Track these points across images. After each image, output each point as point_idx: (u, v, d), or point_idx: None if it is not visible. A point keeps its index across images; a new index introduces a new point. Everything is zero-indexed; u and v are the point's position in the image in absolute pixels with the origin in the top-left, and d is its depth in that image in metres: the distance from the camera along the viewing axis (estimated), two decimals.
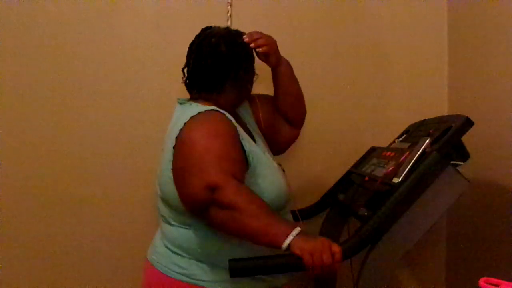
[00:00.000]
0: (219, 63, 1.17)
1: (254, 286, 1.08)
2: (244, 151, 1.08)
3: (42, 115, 1.65)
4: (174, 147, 1.07)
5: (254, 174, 1.08)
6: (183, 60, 1.70)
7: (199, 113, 1.08)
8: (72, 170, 1.66)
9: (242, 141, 1.08)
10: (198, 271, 1.07)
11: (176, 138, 1.06)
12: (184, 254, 1.09)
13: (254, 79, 1.28)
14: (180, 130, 1.06)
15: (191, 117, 1.07)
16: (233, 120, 1.11)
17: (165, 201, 1.13)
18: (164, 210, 1.15)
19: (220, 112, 1.09)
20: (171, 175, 1.07)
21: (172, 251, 1.11)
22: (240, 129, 1.11)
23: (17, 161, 1.64)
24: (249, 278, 1.04)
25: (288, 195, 1.17)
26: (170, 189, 1.07)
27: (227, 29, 1.25)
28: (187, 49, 1.76)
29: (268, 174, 1.12)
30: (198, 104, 1.15)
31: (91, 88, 1.67)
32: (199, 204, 0.98)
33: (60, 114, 1.66)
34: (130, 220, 1.68)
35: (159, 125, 1.69)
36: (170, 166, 1.07)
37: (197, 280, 1.07)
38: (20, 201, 1.64)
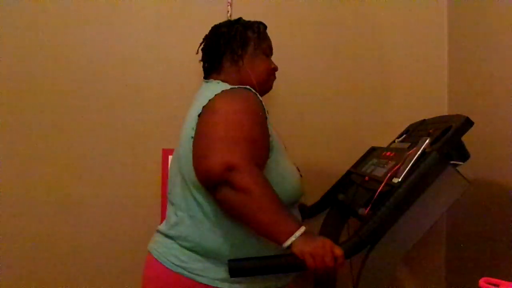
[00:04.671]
0: (217, 40, 1.23)
1: (254, 286, 1.07)
2: (269, 135, 1.07)
3: (42, 115, 1.65)
4: (199, 115, 1.05)
5: (275, 160, 1.08)
6: (183, 59, 1.72)
7: (232, 88, 1.09)
8: (72, 169, 1.67)
9: (269, 126, 1.08)
10: (199, 265, 1.05)
11: (204, 107, 1.05)
12: (187, 247, 1.06)
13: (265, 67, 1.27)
14: (210, 100, 1.05)
15: (223, 90, 1.07)
16: (263, 102, 1.10)
17: (184, 178, 1.09)
18: (178, 195, 1.11)
19: (253, 92, 1.09)
20: (191, 145, 1.04)
21: (174, 242, 1.09)
22: (267, 113, 1.10)
23: (17, 161, 1.64)
24: (250, 278, 1.03)
25: (302, 186, 1.17)
26: (190, 160, 1.04)
27: (242, 18, 1.30)
28: (187, 49, 1.77)
29: (286, 162, 1.13)
30: (225, 83, 1.15)
31: (91, 88, 1.67)
32: (213, 180, 0.95)
33: (60, 114, 1.66)
34: (130, 220, 1.68)
35: (159, 125, 1.70)
36: (192, 134, 1.04)
37: (196, 275, 1.04)
38: (20, 201, 1.64)
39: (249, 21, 1.29)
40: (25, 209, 1.64)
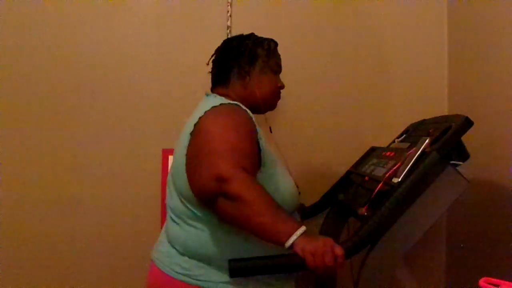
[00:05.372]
0: (227, 54, 1.23)
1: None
2: (260, 149, 1.07)
3: (42, 115, 1.65)
4: (191, 133, 1.07)
5: (268, 175, 1.08)
6: (183, 59, 1.72)
7: (221, 104, 1.10)
8: (72, 169, 1.67)
9: (260, 140, 1.08)
10: (202, 271, 1.06)
11: (195, 125, 1.07)
12: (188, 254, 1.07)
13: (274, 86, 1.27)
14: (200, 118, 1.07)
15: (213, 107, 1.08)
16: (253, 118, 1.11)
17: (178, 191, 1.11)
18: (175, 204, 1.12)
19: (242, 108, 1.11)
20: (184, 160, 1.06)
21: (176, 251, 1.10)
22: (259, 129, 1.11)
23: (17, 161, 1.64)
24: (255, 282, 1.04)
25: (298, 202, 1.18)
26: (182, 176, 1.06)
27: (254, 34, 1.30)
28: (187, 49, 1.77)
29: (281, 176, 1.12)
30: (222, 98, 1.16)
31: (91, 88, 1.67)
32: (207, 195, 0.97)
33: (60, 114, 1.66)
34: (130, 221, 1.68)
35: (159, 125, 1.70)
36: (184, 152, 1.07)
37: (200, 280, 1.05)
38: (20, 201, 1.64)
39: (260, 38, 1.29)
40: (25, 209, 1.64)
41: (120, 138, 1.68)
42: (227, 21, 1.70)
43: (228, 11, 1.70)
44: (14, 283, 1.63)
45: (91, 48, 1.67)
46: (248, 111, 1.12)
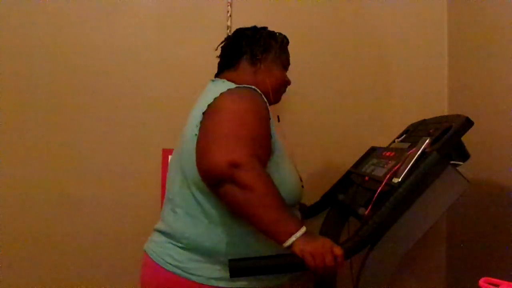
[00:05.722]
0: (240, 41, 1.24)
1: (251, 285, 1.05)
2: (271, 136, 1.07)
3: (41, 115, 1.66)
4: (204, 113, 1.04)
5: (275, 163, 1.08)
6: (183, 59, 1.72)
7: (237, 87, 1.09)
8: (72, 169, 1.67)
9: (272, 127, 1.08)
10: (194, 265, 1.04)
11: (209, 105, 1.05)
12: (183, 245, 1.06)
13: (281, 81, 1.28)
14: (215, 98, 1.05)
15: (229, 89, 1.07)
16: (268, 104, 1.10)
17: (184, 175, 1.08)
18: (178, 191, 1.10)
19: (259, 92, 1.09)
20: (195, 140, 1.03)
21: (170, 241, 1.08)
22: (271, 115, 1.10)
23: (17, 161, 1.64)
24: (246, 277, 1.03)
25: (301, 195, 1.18)
26: (192, 158, 1.02)
27: (267, 28, 1.31)
28: (187, 49, 1.77)
29: (287, 166, 1.13)
30: (232, 83, 1.14)
31: (91, 88, 1.67)
32: (215, 176, 0.94)
33: (59, 114, 1.66)
34: (130, 221, 1.68)
35: (159, 125, 1.70)
36: (196, 132, 1.04)
37: (191, 274, 1.04)
38: (20, 201, 1.64)
39: (274, 31, 1.30)
40: (25, 209, 1.64)
41: (120, 138, 1.68)
42: (227, 21, 1.70)
43: (228, 11, 1.70)
44: (14, 283, 1.63)
45: (91, 48, 1.67)
46: (263, 96, 1.10)
